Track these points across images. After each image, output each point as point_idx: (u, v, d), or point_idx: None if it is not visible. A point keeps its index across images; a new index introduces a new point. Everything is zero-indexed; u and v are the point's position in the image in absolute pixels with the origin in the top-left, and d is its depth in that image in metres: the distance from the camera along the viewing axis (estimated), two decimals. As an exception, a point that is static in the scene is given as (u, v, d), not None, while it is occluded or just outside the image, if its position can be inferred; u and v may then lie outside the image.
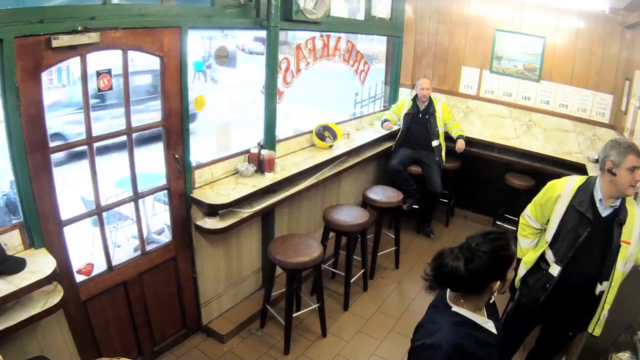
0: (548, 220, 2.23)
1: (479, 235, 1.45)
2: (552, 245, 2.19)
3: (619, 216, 2.02)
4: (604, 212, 2.06)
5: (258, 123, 3.26)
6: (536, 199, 2.33)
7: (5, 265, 1.86)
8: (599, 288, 2.09)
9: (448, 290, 1.53)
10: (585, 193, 2.10)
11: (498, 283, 1.43)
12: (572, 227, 2.10)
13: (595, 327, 2.14)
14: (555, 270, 2.15)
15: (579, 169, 4.02)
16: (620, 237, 2.02)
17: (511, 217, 4.45)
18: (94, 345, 2.45)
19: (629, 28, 3.85)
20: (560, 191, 2.17)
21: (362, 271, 3.71)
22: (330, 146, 3.88)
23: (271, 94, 3.16)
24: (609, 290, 2.06)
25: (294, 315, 3.07)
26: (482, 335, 1.46)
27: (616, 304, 2.17)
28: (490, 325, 1.49)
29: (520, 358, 2.73)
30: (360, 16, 4.28)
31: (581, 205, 2.08)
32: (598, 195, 2.06)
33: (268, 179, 3.10)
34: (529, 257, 2.31)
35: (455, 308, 1.48)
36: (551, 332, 2.40)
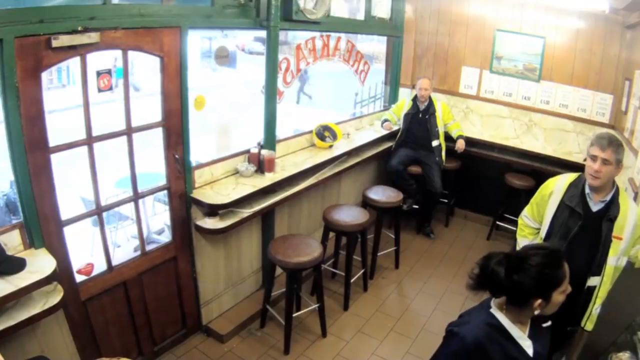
0: None
1: (534, 247, 1.42)
2: (546, 240, 2.22)
3: (609, 211, 2.04)
4: (594, 207, 2.08)
5: (258, 123, 3.26)
6: (532, 199, 2.37)
7: (5, 265, 1.86)
8: (590, 282, 2.11)
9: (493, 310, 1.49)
10: (576, 188, 2.13)
11: (540, 301, 1.36)
12: (564, 222, 2.13)
13: (587, 322, 2.15)
14: None
15: (579, 169, 3.98)
16: (611, 232, 2.03)
17: (511, 217, 4.45)
18: (94, 345, 2.45)
19: (629, 28, 3.85)
20: (553, 188, 2.21)
21: (362, 271, 3.71)
22: (330, 146, 3.88)
23: (271, 94, 3.16)
24: (600, 285, 2.08)
25: (294, 315, 3.07)
26: (512, 348, 1.40)
27: (616, 304, 2.18)
28: (527, 345, 1.42)
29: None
30: (360, 16, 4.29)
31: (571, 201, 2.11)
32: (587, 189, 2.09)
33: (268, 179, 3.10)
34: None
35: (494, 310, 1.45)
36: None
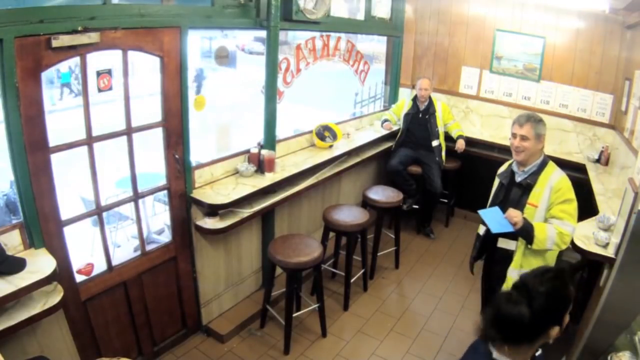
0: None
1: (535, 274, 1.32)
2: None
3: (525, 179, 2.26)
4: (519, 177, 2.31)
5: (258, 123, 3.26)
6: None
7: (5, 265, 1.86)
8: (507, 245, 2.35)
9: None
10: (510, 166, 2.41)
11: (557, 328, 1.29)
12: (496, 193, 2.46)
13: (504, 284, 2.34)
14: (481, 230, 2.51)
15: (579, 168, 4.02)
16: (522, 197, 2.26)
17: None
18: (94, 345, 2.45)
19: (629, 28, 3.85)
20: (497, 173, 2.51)
21: (362, 271, 3.71)
22: (330, 146, 3.88)
23: (271, 94, 3.16)
24: (516, 249, 2.30)
25: (294, 315, 3.07)
26: None
27: (616, 304, 2.18)
28: None
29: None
30: (360, 16, 4.29)
31: (502, 176, 2.44)
32: (514, 164, 2.35)
33: (268, 179, 3.10)
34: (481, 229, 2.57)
35: (496, 356, 1.32)
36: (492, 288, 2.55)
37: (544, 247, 2.19)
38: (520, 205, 2.24)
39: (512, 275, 2.30)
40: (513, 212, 2.19)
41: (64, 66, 8.77)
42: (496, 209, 2.29)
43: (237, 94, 8.63)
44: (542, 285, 1.26)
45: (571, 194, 2.20)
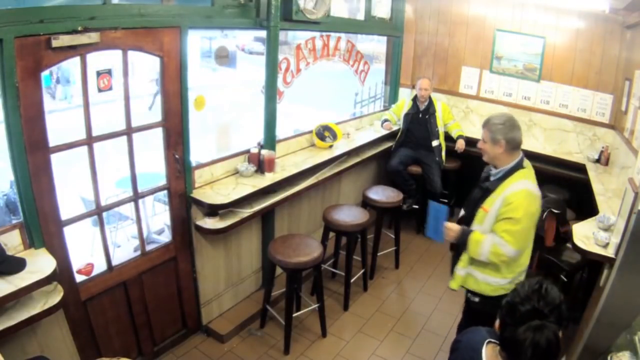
0: None
1: (530, 290, 1.25)
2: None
3: (487, 183, 2.21)
4: (491, 179, 2.23)
5: (258, 123, 3.26)
6: None
7: (5, 265, 1.86)
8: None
9: (484, 350, 1.39)
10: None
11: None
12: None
13: (451, 281, 2.37)
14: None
15: (579, 169, 4.02)
16: (481, 198, 2.19)
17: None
18: (94, 345, 2.46)
19: (629, 28, 3.85)
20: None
21: (362, 271, 3.71)
22: (330, 146, 3.88)
23: (271, 94, 3.16)
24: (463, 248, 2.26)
25: (294, 315, 3.07)
26: None
27: (616, 304, 2.18)
28: None
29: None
30: (360, 16, 4.29)
31: (484, 174, 2.33)
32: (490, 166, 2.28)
33: (268, 179, 3.10)
34: None
35: None
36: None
37: (478, 258, 2.18)
38: (477, 206, 2.21)
39: (458, 272, 2.31)
40: (451, 228, 2.24)
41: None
42: (444, 209, 2.27)
43: (237, 94, 8.64)
44: (549, 296, 1.23)
45: (520, 213, 2.03)
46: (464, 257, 2.28)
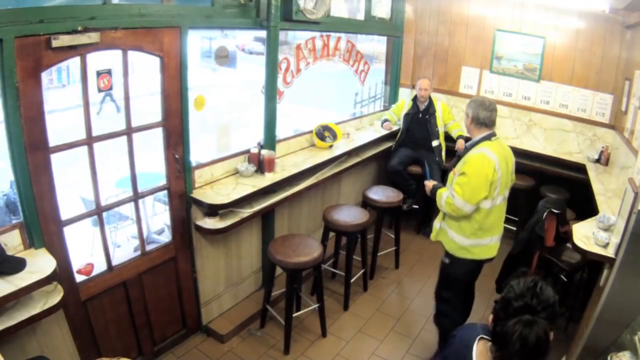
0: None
1: (525, 288, 1.26)
2: None
3: (460, 152, 2.65)
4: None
5: (258, 123, 3.26)
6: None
7: (5, 265, 1.86)
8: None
9: (475, 346, 1.39)
10: None
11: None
12: None
13: (432, 233, 2.77)
14: None
15: (579, 169, 4.02)
16: (454, 165, 2.59)
17: (510, 216, 4.44)
18: (94, 345, 2.45)
19: (629, 28, 3.85)
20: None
21: (362, 271, 3.71)
22: (330, 146, 3.88)
23: (271, 94, 3.16)
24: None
25: (294, 315, 3.07)
26: None
27: (616, 304, 2.18)
28: None
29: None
30: (360, 16, 4.29)
31: None
32: None
33: (268, 179, 3.10)
34: None
35: None
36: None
37: (441, 210, 2.60)
38: (450, 170, 2.64)
39: (435, 225, 2.74)
40: (427, 185, 2.77)
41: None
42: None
43: (237, 94, 8.64)
44: (543, 295, 1.24)
45: (470, 169, 2.39)
46: (440, 212, 2.67)
